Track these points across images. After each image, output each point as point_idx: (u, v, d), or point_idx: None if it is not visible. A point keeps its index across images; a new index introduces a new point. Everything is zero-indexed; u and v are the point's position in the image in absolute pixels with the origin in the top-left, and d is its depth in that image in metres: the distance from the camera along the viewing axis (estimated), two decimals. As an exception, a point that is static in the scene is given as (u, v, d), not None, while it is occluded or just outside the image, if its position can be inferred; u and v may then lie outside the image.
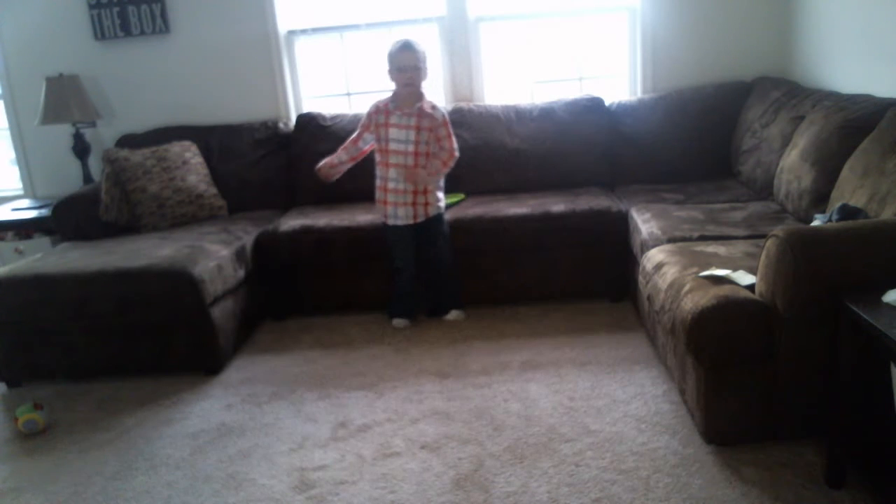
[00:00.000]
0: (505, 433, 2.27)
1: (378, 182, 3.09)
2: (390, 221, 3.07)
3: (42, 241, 3.82)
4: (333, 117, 3.90)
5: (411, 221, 3.06)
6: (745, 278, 2.07)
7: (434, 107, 3.05)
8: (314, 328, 3.29)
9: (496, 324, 3.16)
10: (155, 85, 4.11)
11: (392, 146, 3.00)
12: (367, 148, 3.14)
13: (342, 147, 3.17)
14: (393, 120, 2.99)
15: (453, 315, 3.22)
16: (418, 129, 2.98)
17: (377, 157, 3.07)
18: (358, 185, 3.73)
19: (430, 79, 3.10)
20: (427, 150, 3.02)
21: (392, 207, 3.05)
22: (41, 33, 4.09)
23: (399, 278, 3.17)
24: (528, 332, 3.04)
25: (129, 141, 3.92)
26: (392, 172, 3.01)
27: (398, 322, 3.18)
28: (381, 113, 3.03)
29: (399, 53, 2.94)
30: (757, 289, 1.99)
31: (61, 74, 3.95)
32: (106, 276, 2.81)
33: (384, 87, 4.11)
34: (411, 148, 2.99)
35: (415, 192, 3.03)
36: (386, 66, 3.00)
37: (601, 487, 1.96)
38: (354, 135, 3.15)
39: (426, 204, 3.06)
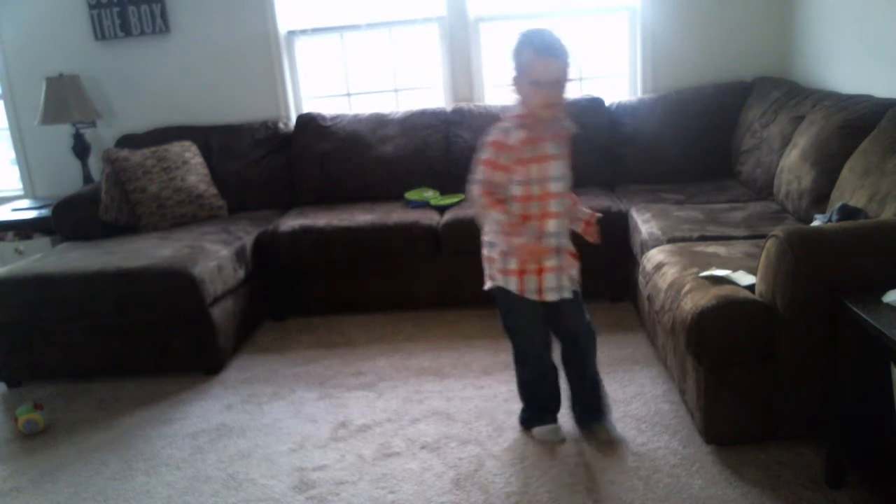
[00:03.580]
0: (505, 433, 2.27)
1: (511, 241, 1.97)
2: (532, 296, 2.06)
3: (42, 241, 3.82)
4: (333, 117, 3.91)
5: (569, 295, 2.09)
6: (745, 278, 2.07)
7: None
8: (314, 328, 3.28)
9: (496, 324, 3.13)
10: (155, 85, 4.11)
11: (552, 187, 2.01)
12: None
13: (492, 204, 1.98)
14: (550, 150, 2.00)
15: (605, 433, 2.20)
16: (568, 159, 2.07)
17: (515, 207, 2.01)
18: (358, 184, 3.76)
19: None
20: None
21: (550, 276, 2.04)
22: (41, 33, 4.09)
23: (533, 368, 2.23)
24: (528, 332, 3.04)
25: (129, 141, 3.92)
26: (552, 225, 2.03)
27: (545, 431, 2.22)
28: (533, 144, 1.97)
29: (540, 60, 1.90)
30: (757, 289, 1.99)
31: (61, 74, 3.95)
32: (106, 276, 2.81)
33: (385, 87, 4.17)
34: (566, 185, 2.06)
35: (570, 252, 2.12)
36: (512, 72, 1.96)
37: (601, 487, 1.96)
38: (489, 181, 1.99)
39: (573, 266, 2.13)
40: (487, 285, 2.16)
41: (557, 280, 2.06)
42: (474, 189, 2.02)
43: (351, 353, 2.99)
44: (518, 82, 1.97)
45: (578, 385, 2.24)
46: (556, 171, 2.02)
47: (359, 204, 3.62)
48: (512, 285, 2.06)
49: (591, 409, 2.23)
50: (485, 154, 2.00)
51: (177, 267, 2.80)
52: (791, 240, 1.82)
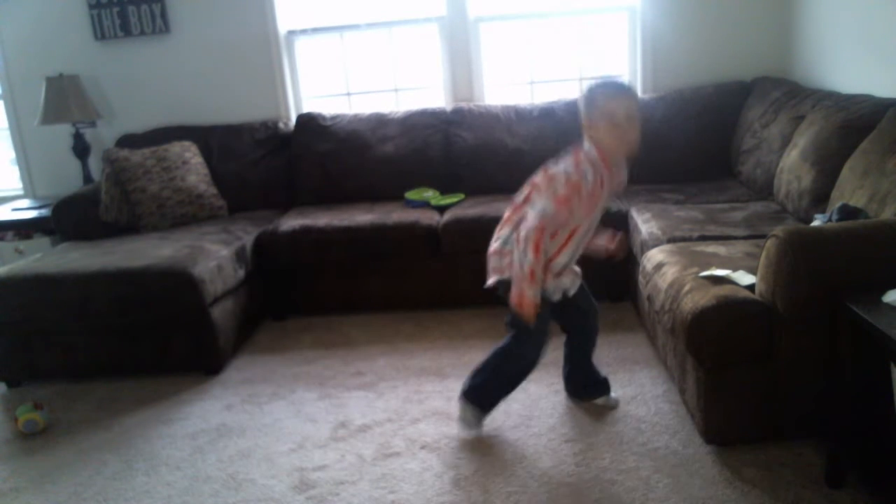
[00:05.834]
0: (505, 433, 2.27)
1: (524, 287, 2.03)
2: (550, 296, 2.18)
3: (42, 241, 3.82)
4: (333, 117, 3.91)
5: (575, 290, 2.26)
6: (745, 278, 2.07)
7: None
8: (314, 328, 3.29)
9: (496, 324, 3.14)
10: (155, 85, 4.11)
11: (584, 226, 2.13)
12: None
13: (538, 246, 1.98)
14: (605, 195, 2.11)
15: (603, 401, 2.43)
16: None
17: (552, 245, 2.08)
18: (358, 184, 3.76)
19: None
20: None
21: (552, 284, 2.17)
22: (41, 33, 4.09)
23: (525, 363, 2.26)
24: (528, 332, 3.04)
25: (129, 141, 3.92)
26: (564, 257, 2.14)
27: (472, 422, 2.28)
28: (604, 188, 2.07)
29: (616, 98, 2.01)
30: (757, 289, 1.99)
31: (61, 74, 3.95)
32: (106, 276, 2.81)
33: (385, 87, 4.17)
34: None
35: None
36: (588, 119, 2.04)
37: (601, 487, 1.96)
38: (554, 220, 2.01)
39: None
40: (492, 279, 2.13)
41: (560, 284, 2.20)
42: (532, 228, 1.97)
43: (351, 353, 2.99)
44: (594, 125, 2.03)
45: (587, 363, 2.43)
46: (599, 214, 2.16)
47: (359, 204, 3.62)
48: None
49: (600, 383, 2.44)
50: (562, 191, 2.00)
51: (177, 267, 2.80)
52: (791, 240, 1.82)
